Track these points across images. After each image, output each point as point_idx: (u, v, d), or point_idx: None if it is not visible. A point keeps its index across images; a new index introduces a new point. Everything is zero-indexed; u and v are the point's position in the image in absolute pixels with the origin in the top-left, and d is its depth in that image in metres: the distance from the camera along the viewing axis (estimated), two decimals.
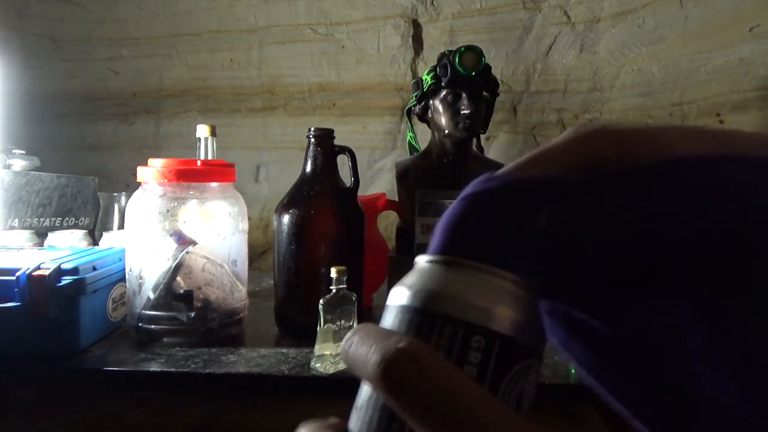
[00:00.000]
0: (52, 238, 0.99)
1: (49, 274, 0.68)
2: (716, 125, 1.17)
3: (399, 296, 0.21)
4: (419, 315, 0.20)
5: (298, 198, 0.81)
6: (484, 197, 0.22)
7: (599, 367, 0.22)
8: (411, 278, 0.21)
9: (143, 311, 0.76)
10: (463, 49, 0.97)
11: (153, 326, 0.76)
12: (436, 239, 0.22)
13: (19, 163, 1.01)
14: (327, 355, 0.69)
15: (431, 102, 1.02)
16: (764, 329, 0.19)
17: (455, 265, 0.21)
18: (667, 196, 0.20)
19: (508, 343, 0.19)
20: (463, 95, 0.98)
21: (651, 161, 0.21)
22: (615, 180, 0.21)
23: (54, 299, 0.68)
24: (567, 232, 0.20)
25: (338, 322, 0.69)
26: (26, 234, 0.97)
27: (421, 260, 0.22)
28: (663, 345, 0.20)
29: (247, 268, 0.85)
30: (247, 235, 0.85)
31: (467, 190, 0.23)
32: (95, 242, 1.02)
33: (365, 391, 0.20)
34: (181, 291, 0.76)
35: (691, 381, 0.20)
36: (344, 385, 0.65)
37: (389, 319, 0.21)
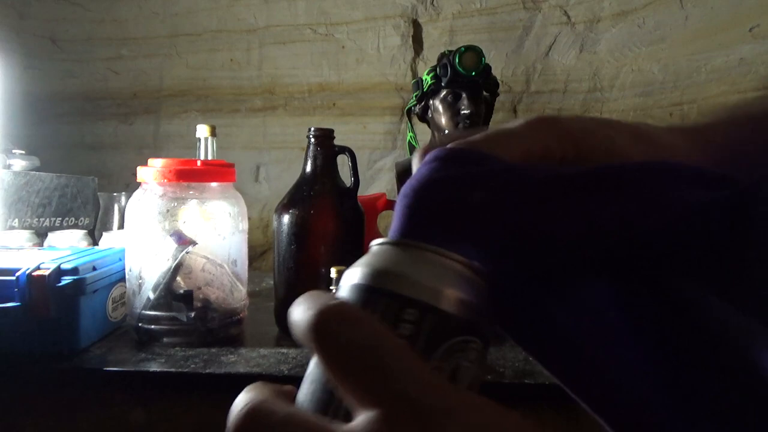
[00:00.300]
0: (52, 238, 0.99)
1: (49, 274, 0.68)
2: None
3: (346, 276, 0.22)
4: (360, 290, 0.21)
5: (298, 198, 0.81)
6: (432, 171, 0.22)
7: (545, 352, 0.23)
8: (360, 260, 0.22)
9: (143, 311, 0.76)
10: (463, 49, 0.97)
11: (153, 326, 0.76)
12: (397, 217, 0.23)
13: (19, 163, 1.01)
14: None
15: (431, 102, 1.02)
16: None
17: (398, 245, 0.22)
18: (614, 200, 0.21)
19: (442, 317, 0.20)
20: (463, 95, 0.98)
21: (596, 161, 0.23)
22: (566, 179, 0.22)
23: (54, 299, 0.68)
24: (508, 218, 0.21)
25: None
26: (26, 234, 0.97)
27: (372, 244, 0.23)
28: (591, 330, 0.21)
29: (247, 268, 0.85)
30: (247, 235, 0.85)
31: (422, 164, 0.23)
32: (95, 242, 1.02)
33: (311, 363, 0.21)
34: (181, 291, 0.76)
35: (614, 359, 0.21)
36: None
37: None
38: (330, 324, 0.19)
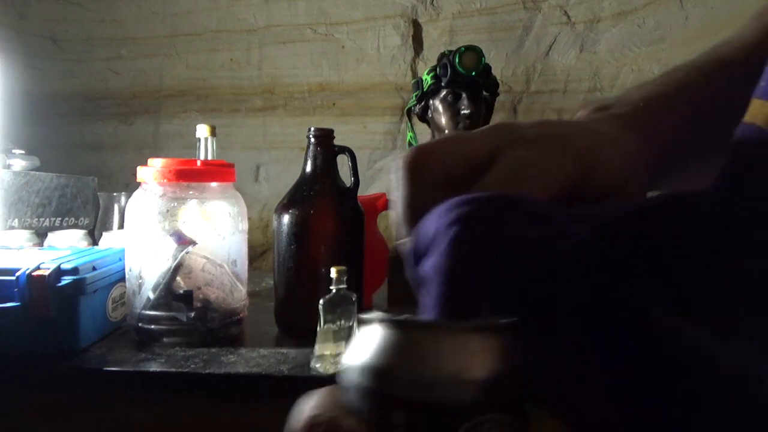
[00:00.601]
0: (52, 238, 0.99)
1: (49, 274, 0.68)
2: None
3: (345, 365, 0.19)
4: (354, 392, 0.18)
5: (297, 198, 0.81)
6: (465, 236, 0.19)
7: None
8: (365, 347, 0.19)
9: (143, 311, 0.76)
10: (463, 49, 0.97)
11: (153, 326, 0.76)
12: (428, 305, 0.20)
13: (19, 163, 1.01)
14: (327, 356, 0.69)
15: (431, 102, 1.02)
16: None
17: (394, 328, 0.18)
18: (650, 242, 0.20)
19: (434, 412, 0.17)
20: (463, 95, 0.98)
21: (594, 177, 0.23)
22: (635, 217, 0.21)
23: (54, 299, 0.68)
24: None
25: (338, 322, 0.69)
26: (26, 234, 0.97)
27: (371, 317, 0.19)
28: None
29: (247, 268, 0.85)
30: (247, 235, 0.85)
31: (438, 225, 0.21)
32: (95, 242, 1.02)
33: None
34: (181, 291, 0.76)
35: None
36: None
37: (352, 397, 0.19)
38: None
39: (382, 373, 0.18)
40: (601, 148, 0.23)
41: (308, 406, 0.18)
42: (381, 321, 0.19)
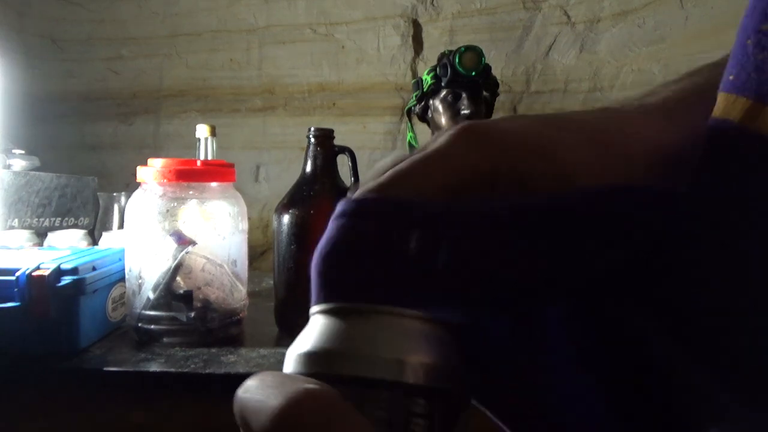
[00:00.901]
0: (52, 238, 0.99)
1: (49, 274, 0.68)
2: None
3: (294, 361, 0.18)
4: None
5: (298, 198, 0.81)
6: (357, 224, 0.20)
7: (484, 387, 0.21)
8: (305, 336, 0.19)
9: (143, 311, 0.76)
10: (463, 49, 0.97)
11: (153, 326, 0.76)
12: (318, 282, 0.20)
13: (18, 163, 1.01)
14: None
15: (431, 102, 1.02)
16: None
17: (349, 313, 0.18)
18: (567, 236, 0.19)
19: (407, 391, 0.17)
20: (463, 95, 0.98)
21: (534, 175, 0.20)
22: (507, 213, 0.19)
23: (54, 299, 0.68)
24: (450, 262, 0.18)
25: None
26: (26, 234, 0.97)
27: (313, 311, 0.19)
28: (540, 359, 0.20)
29: (247, 268, 0.85)
30: (247, 235, 0.85)
31: (336, 214, 0.21)
32: (95, 242, 1.02)
33: None
34: (181, 291, 0.76)
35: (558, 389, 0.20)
36: None
37: None
38: (305, 416, 0.15)
39: (317, 355, 0.18)
40: (556, 142, 0.21)
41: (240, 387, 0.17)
42: (319, 311, 0.19)
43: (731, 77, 0.20)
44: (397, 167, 0.21)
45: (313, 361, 0.18)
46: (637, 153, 0.21)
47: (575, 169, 0.20)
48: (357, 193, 0.21)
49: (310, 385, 0.16)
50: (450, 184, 0.20)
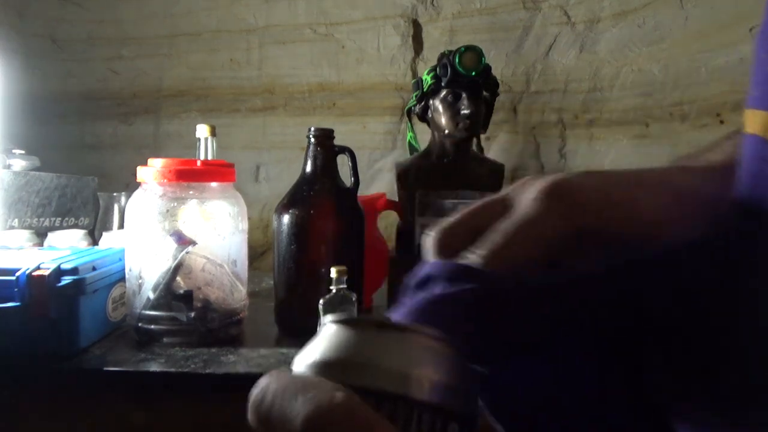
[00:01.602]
0: (52, 238, 0.99)
1: (49, 274, 0.68)
2: (716, 125, 1.17)
3: (306, 367, 0.19)
4: None
5: (298, 198, 0.81)
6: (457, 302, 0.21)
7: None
8: (317, 344, 0.19)
9: (143, 311, 0.76)
10: (463, 49, 0.97)
11: (153, 326, 0.76)
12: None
13: (19, 163, 1.01)
14: None
15: (431, 102, 1.02)
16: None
17: (353, 325, 0.19)
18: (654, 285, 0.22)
19: (413, 406, 0.17)
20: (463, 95, 0.98)
21: (615, 229, 0.22)
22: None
23: (54, 299, 0.68)
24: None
25: None
26: (26, 234, 0.97)
27: (327, 320, 0.20)
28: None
29: (247, 268, 0.85)
30: (247, 235, 0.85)
31: (431, 287, 0.23)
32: (95, 242, 1.02)
33: None
34: (181, 291, 0.76)
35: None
36: None
37: None
38: (336, 426, 0.15)
39: (328, 364, 0.18)
40: (633, 198, 0.23)
41: (256, 389, 0.17)
42: (334, 321, 0.19)
43: (754, 93, 0.21)
44: (495, 239, 0.23)
45: (324, 369, 0.18)
46: (711, 211, 0.23)
47: (660, 228, 0.22)
48: (468, 259, 0.23)
49: (339, 392, 0.16)
50: (542, 252, 0.22)
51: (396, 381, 0.17)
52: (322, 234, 0.80)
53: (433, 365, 0.18)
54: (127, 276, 0.79)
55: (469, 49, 0.97)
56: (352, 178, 0.84)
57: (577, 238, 0.22)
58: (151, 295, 0.76)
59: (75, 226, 1.02)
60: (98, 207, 1.05)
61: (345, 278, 0.70)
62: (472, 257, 0.22)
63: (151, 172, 0.77)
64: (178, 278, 0.76)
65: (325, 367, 0.18)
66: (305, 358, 0.19)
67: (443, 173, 1.02)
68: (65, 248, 0.90)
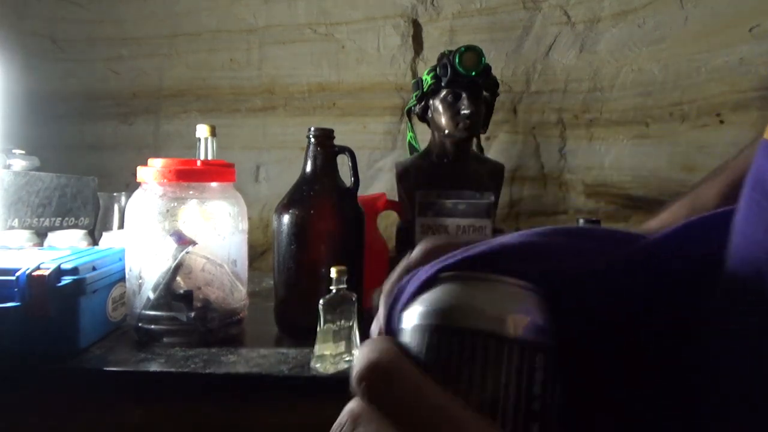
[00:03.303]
0: (52, 238, 0.99)
1: (49, 274, 0.68)
2: (716, 125, 1.17)
3: (410, 315, 0.23)
4: (422, 331, 0.22)
5: (298, 198, 0.81)
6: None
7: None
8: (421, 296, 0.23)
9: (143, 311, 0.76)
10: (463, 49, 0.97)
11: (153, 326, 0.76)
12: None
13: (18, 163, 1.01)
14: (327, 355, 0.69)
15: (431, 102, 1.02)
16: None
17: (455, 279, 0.23)
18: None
19: (507, 343, 0.21)
20: (463, 95, 0.98)
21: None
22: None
23: (54, 299, 0.68)
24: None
25: (338, 322, 0.69)
26: (26, 234, 0.97)
27: (441, 276, 0.24)
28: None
29: (247, 268, 0.85)
30: (247, 235, 0.85)
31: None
32: (95, 242, 1.02)
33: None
34: (181, 291, 0.76)
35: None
36: (344, 385, 0.65)
37: (409, 340, 0.22)
38: (372, 381, 0.20)
39: (444, 310, 0.22)
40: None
41: (366, 351, 0.21)
42: (446, 278, 0.23)
43: None
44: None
45: (426, 313, 0.22)
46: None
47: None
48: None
49: (387, 354, 0.20)
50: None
51: (491, 322, 0.21)
52: (322, 234, 0.80)
53: (517, 307, 0.22)
54: (127, 276, 0.79)
55: (469, 49, 0.97)
56: (352, 178, 0.84)
57: None
58: (151, 295, 0.76)
59: (75, 226, 1.02)
60: (98, 207, 1.05)
61: (345, 278, 0.70)
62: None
63: (151, 172, 0.77)
64: (178, 278, 0.76)
65: (435, 314, 0.22)
66: (418, 308, 0.23)
67: (443, 173, 1.02)
68: (65, 248, 0.90)
